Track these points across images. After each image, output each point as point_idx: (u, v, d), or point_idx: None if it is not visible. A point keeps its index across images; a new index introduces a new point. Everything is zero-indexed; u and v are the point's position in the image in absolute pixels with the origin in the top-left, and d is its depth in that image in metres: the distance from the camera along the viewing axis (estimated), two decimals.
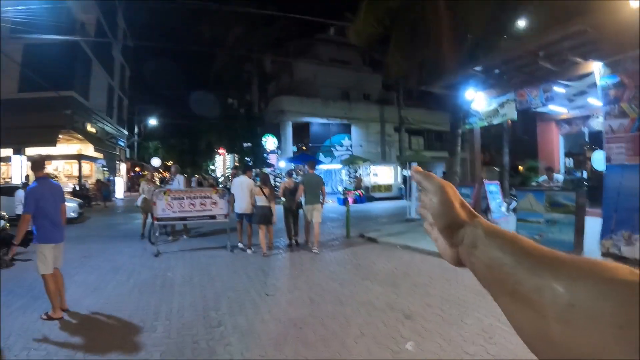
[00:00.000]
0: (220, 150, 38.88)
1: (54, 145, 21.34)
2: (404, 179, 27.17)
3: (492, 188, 12.61)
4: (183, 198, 9.80)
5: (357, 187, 24.90)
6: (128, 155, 40.73)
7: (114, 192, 28.90)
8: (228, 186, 14.02)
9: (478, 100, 11.75)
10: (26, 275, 7.31)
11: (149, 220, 10.90)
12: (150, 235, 10.67)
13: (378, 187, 27.10)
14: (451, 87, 12.63)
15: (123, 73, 38.18)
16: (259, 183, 9.75)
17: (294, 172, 12.80)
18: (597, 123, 14.00)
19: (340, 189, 25.51)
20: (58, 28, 21.87)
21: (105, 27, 30.06)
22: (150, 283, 7.17)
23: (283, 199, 10.34)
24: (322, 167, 27.48)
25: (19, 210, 11.70)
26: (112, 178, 29.44)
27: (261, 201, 9.33)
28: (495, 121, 11.20)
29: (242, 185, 9.71)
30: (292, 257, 9.44)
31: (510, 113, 10.87)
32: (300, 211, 10.36)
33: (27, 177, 13.92)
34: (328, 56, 34.48)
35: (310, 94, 31.05)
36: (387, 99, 35.12)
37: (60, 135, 21.99)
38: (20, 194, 12.32)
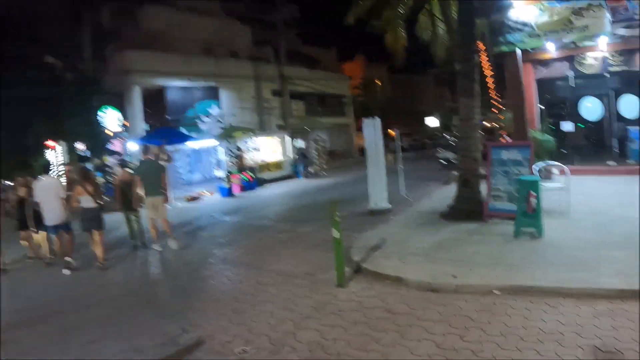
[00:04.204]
0: (50, 143, 28.88)
1: None
2: (301, 152, 21.71)
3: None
4: None
5: (242, 169, 18.63)
6: None
7: None
8: None
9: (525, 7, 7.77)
10: None
11: None
12: None
13: (266, 166, 21.08)
14: None
15: None
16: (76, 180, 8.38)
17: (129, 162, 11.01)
18: (587, 66, 12.04)
19: (219, 173, 19.01)
20: None
21: None
22: None
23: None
24: (188, 146, 20.50)
25: None
26: None
27: (87, 202, 7.76)
28: (568, 38, 6.98)
29: (48, 189, 7.89)
30: None
31: (596, 26, 7.54)
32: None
33: None
34: (185, 5, 26.90)
35: (165, 49, 23.42)
36: (259, 56, 29.16)
37: None
38: None
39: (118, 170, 10.12)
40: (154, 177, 8.56)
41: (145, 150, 9.42)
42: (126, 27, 25.08)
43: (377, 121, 10.27)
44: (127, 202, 8.87)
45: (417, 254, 6.29)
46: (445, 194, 10.80)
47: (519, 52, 8.14)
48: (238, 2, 31.38)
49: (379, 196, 10.01)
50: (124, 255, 8.77)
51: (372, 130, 10.17)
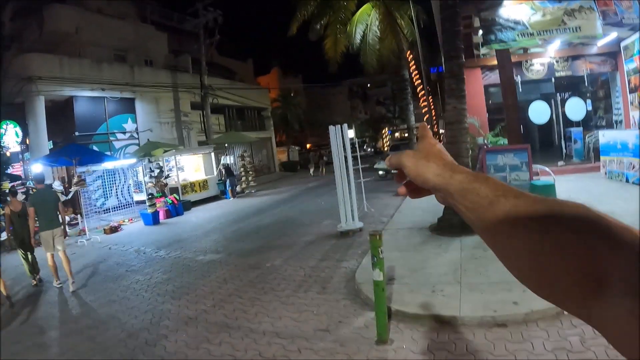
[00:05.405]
0: None
1: None
2: (227, 169, 20.06)
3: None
4: None
5: (163, 191, 16.56)
6: None
7: None
8: None
9: (517, 5, 7.02)
10: None
11: None
12: None
13: (191, 187, 19.15)
14: None
15: None
16: None
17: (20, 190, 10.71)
18: (534, 71, 12.08)
19: (140, 197, 16.81)
20: None
21: None
22: None
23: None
24: (102, 166, 17.56)
25: None
26: None
27: None
28: (562, 37, 6.52)
29: None
30: None
31: (588, 28, 6.84)
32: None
33: None
34: (96, 6, 23.89)
35: (73, 54, 20.46)
36: (176, 66, 27.23)
37: None
38: None
39: (9, 199, 8.42)
40: (50, 207, 7.70)
41: (39, 179, 8.93)
42: (30, 28, 21.81)
43: (344, 128, 9.24)
44: (19, 236, 7.87)
45: (446, 282, 5.22)
46: (410, 205, 10.03)
47: (506, 54, 7.50)
48: (154, 6, 29.46)
49: (349, 214, 8.88)
50: (29, 311, 6.66)
51: (338, 138, 9.06)
